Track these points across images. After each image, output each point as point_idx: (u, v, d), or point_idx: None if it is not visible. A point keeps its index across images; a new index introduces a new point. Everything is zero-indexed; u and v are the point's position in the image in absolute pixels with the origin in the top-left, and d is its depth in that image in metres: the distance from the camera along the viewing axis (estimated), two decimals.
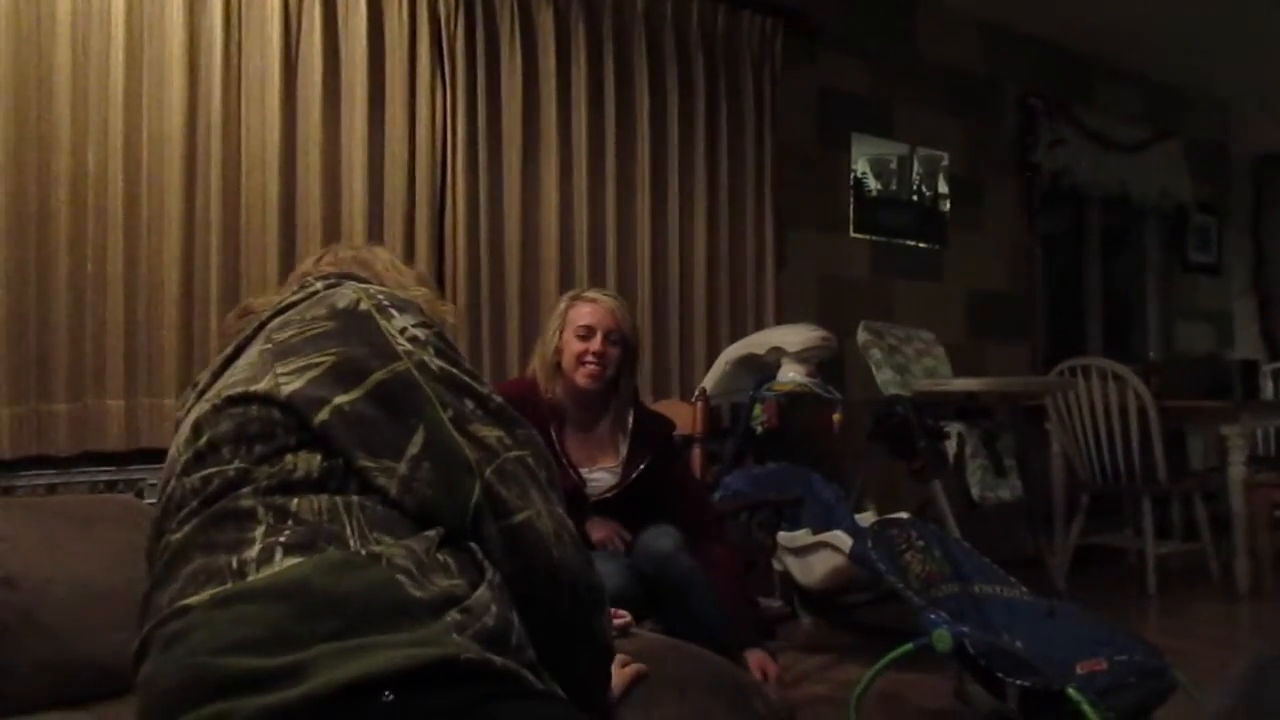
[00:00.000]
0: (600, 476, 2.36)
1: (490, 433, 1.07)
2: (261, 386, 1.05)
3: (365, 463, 1.02)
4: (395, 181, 3.02)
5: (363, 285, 1.17)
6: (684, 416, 2.82)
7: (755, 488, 3.26)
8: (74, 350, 2.54)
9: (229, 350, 1.16)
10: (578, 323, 2.35)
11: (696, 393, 3.02)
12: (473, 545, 1.04)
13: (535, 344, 2.51)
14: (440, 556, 1.00)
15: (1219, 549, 4.38)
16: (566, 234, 3.40)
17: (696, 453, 2.81)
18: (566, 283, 3.31)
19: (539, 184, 3.35)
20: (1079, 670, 2.09)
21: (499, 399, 1.12)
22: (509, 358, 3.25)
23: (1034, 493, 4.19)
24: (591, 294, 2.42)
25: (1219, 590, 4.30)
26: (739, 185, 3.85)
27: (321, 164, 2.89)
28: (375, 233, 2.97)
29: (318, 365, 1.06)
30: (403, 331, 1.10)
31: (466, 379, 1.10)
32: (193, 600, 0.94)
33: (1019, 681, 2.07)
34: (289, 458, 1.02)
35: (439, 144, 3.13)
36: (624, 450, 2.38)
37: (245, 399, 1.05)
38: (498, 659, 0.93)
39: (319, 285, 1.18)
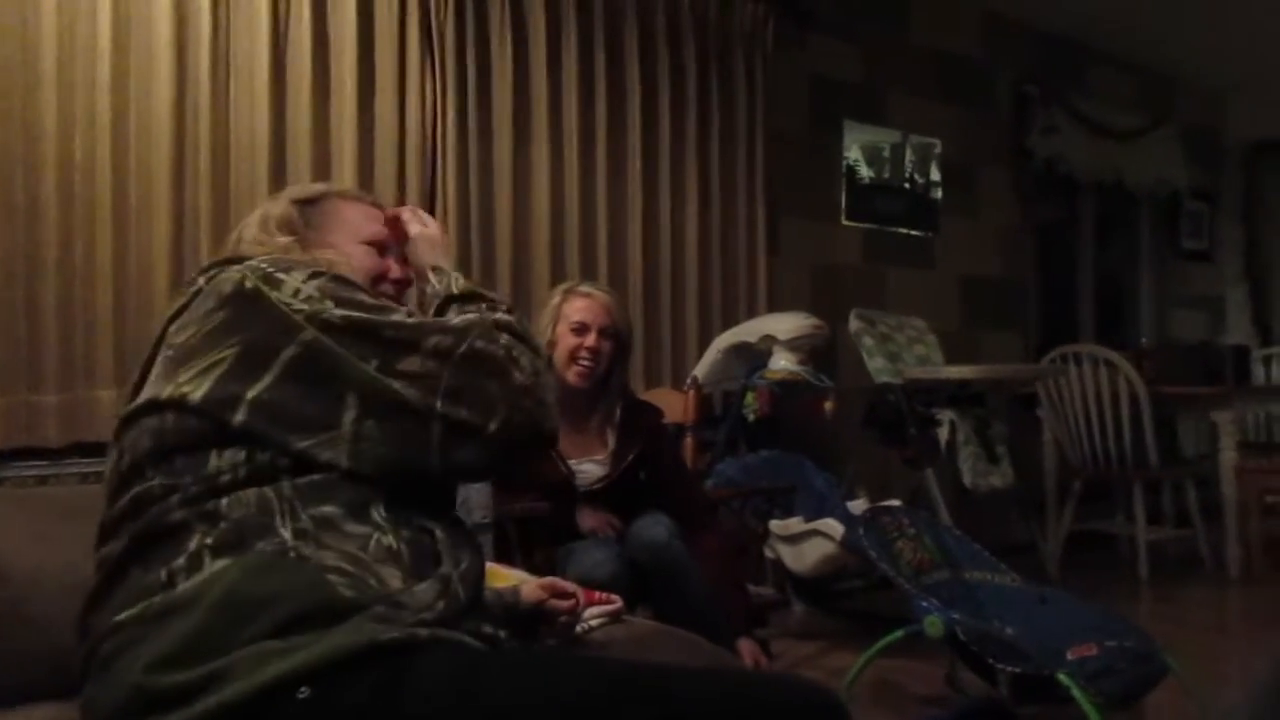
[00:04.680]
0: (589, 468, 2.36)
1: (415, 362, 1.03)
2: (168, 393, 1.03)
3: (303, 444, 1.00)
4: (385, 170, 3.00)
5: (244, 263, 1.12)
6: (676, 405, 2.82)
7: (747, 476, 3.26)
8: (64, 340, 2.52)
9: (142, 367, 1.14)
10: (572, 318, 2.34)
11: (688, 381, 3.02)
12: (437, 521, 1.05)
13: None
14: (392, 543, 1.00)
15: (1210, 535, 4.39)
16: (557, 222, 3.38)
17: (689, 441, 2.81)
18: (558, 271, 3.30)
19: (530, 172, 3.33)
20: (1070, 655, 2.09)
21: (399, 317, 1.07)
22: None
23: (1026, 480, 4.20)
24: (585, 288, 2.41)
25: (1210, 576, 4.31)
26: (730, 173, 3.83)
27: (311, 152, 2.87)
28: None
29: (222, 361, 1.03)
30: (296, 294, 1.05)
31: (373, 317, 1.05)
32: (124, 616, 0.95)
33: (1010, 667, 2.07)
34: (213, 462, 1.00)
35: (429, 132, 3.11)
36: (613, 442, 2.38)
37: (156, 407, 1.03)
38: (424, 630, 0.92)
39: (201, 280, 1.14)
